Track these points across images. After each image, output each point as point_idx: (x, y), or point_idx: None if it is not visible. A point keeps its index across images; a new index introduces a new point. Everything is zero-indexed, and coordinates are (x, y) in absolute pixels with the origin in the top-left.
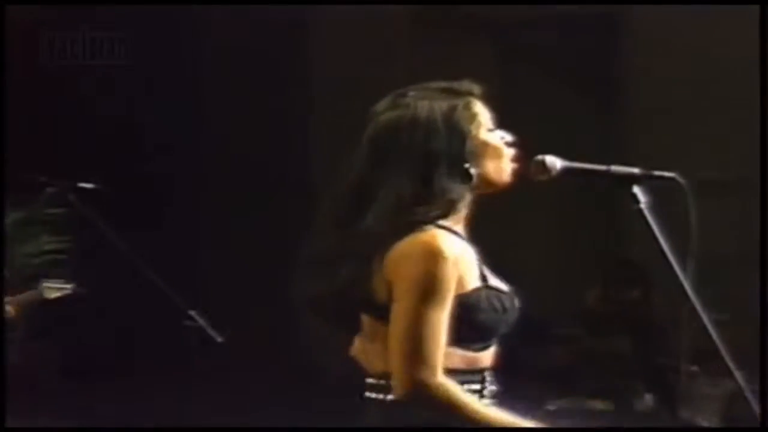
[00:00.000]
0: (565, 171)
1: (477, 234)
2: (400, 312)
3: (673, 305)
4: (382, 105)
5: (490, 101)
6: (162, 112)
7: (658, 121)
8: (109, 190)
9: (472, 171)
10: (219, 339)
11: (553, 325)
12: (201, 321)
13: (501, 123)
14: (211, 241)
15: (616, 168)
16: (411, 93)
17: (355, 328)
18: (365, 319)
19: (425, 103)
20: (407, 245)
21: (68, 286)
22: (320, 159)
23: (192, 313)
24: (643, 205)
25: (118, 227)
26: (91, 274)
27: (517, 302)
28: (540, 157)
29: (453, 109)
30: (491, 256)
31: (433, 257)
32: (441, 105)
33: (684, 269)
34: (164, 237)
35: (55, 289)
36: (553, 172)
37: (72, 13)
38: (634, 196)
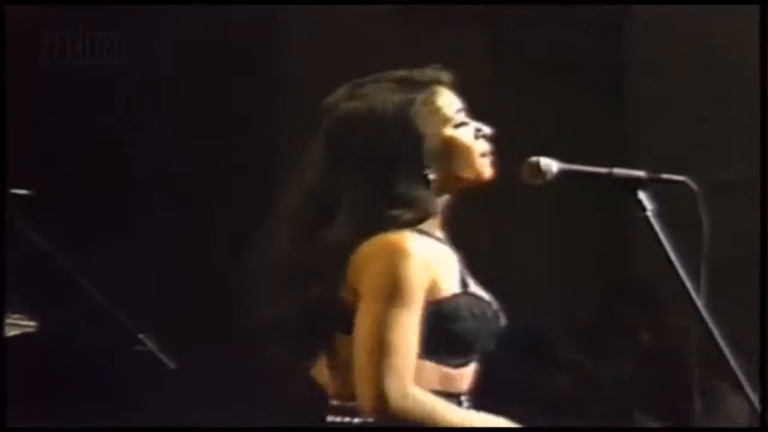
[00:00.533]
0: (562, 174)
1: (468, 246)
2: (364, 317)
3: (684, 324)
4: (337, 95)
5: (476, 93)
6: (121, 115)
7: (665, 119)
8: (48, 197)
9: (431, 176)
10: (172, 365)
11: (552, 346)
12: (152, 345)
13: (495, 122)
14: (167, 254)
15: (618, 171)
16: (369, 83)
17: (329, 349)
18: (338, 337)
19: (381, 96)
20: (370, 246)
21: (32, 323)
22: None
23: (142, 336)
24: (649, 213)
25: (59, 238)
26: (27, 291)
27: (501, 314)
28: (534, 158)
29: (408, 104)
30: (483, 269)
31: (397, 256)
32: (394, 100)
33: (696, 284)
34: (112, 248)
35: (15, 326)
36: (549, 176)
37: (72, 13)
38: (639, 203)
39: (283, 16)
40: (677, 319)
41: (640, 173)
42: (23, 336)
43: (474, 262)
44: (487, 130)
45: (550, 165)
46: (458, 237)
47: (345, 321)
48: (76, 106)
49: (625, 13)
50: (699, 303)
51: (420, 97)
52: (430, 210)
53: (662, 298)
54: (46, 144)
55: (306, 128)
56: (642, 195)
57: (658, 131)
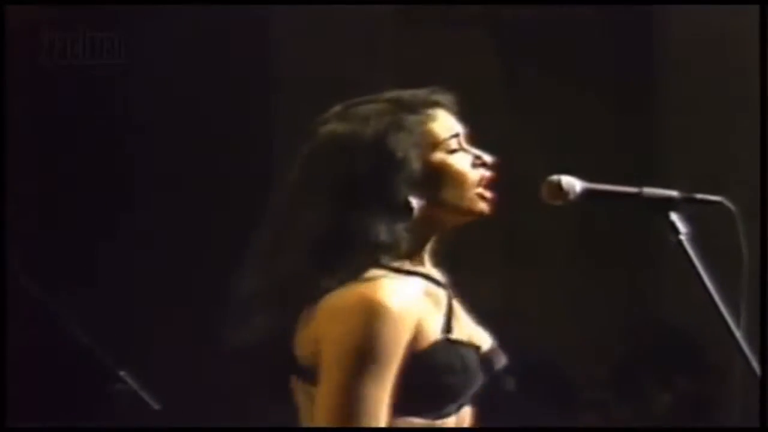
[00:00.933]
0: (586, 194)
1: (480, 275)
2: (328, 387)
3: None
4: (325, 117)
5: (488, 113)
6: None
7: (699, 133)
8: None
9: (414, 203)
10: (156, 406)
11: (576, 385)
12: (133, 384)
13: (505, 138)
14: (149, 283)
15: (649, 190)
16: (361, 104)
17: (282, 389)
18: (293, 380)
19: (367, 117)
20: (341, 297)
21: None
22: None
23: (122, 373)
24: (683, 236)
25: (58, 238)
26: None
27: (496, 356)
28: (555, 177)
29: (393, 126)
30: (497, 300)
31: (372, 316)
32: (380, 121)
33: (736, 317)
34: (88, 275)
35: None
36: (572, 196)
37: (72, 13)
38: (672, 225)
39: (283, 16)
40: (715, 356)
41: (673, 193)
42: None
43: (485, 293)
44: (487, 158)
45: (573, 184)
46: (468, 264)
47: (297, 367)
48: (76, 106)
49: (655, 13)
50: (740, 337)
51: (411, 118)
52: (404, 245)
53: (698, 332)
54: (46, 144)
55: (305, 130)
56: (675, 217)
57: (669, 135)
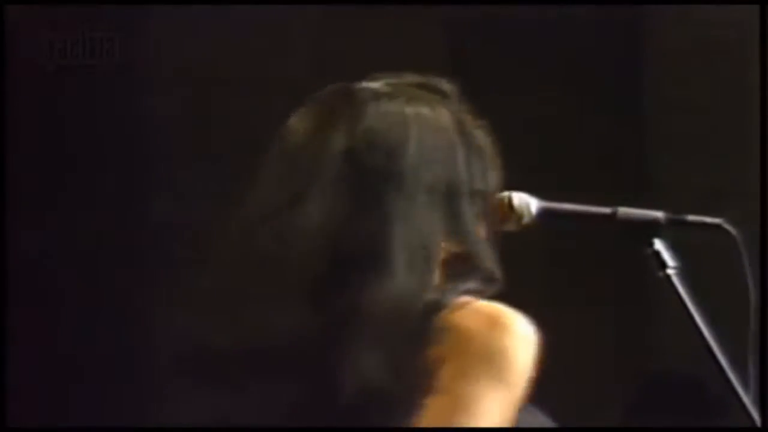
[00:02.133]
0: (545, 215)
1: None
2: (447, 400)
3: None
4: (306, 114)
5: None
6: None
7: (695, 137)
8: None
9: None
10: None
11: None
12: None
13: None
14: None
15: (625, 211)
16: (378, 87)
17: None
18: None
19: (420, 109)
20: (475, 311)
21: None
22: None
23: None
24: (671, 271)
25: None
26: None
27: None
28: (505, 194)
29: (461, 115)
30: None
31: (519, 336)
32: (443, 110)
33: (742, 375)
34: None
35: None
36: (527, 218)
37: (72, 13)
38: (656, 256)
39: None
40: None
41: (657, 214)
42: None
43: None
44: None
45: (528, 203)
46: None
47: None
48: (76, 106)
49: (646, 15)
50: (747, 401)
51: (461, 108)
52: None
53: (709, 393)
54: (46, 145)
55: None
56: (660, 246)
57: (663, 139)
